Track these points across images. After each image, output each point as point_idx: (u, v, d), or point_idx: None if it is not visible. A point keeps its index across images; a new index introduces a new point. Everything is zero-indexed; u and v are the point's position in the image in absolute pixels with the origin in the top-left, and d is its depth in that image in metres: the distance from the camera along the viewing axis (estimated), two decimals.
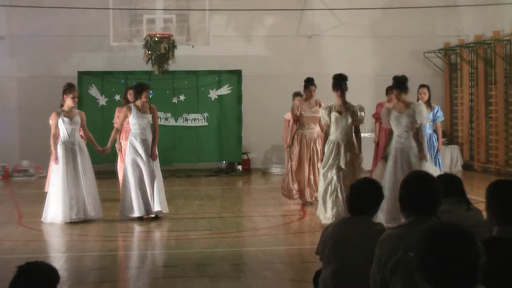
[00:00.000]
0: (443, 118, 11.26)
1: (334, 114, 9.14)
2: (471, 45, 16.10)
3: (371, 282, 3.74)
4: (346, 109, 9.17)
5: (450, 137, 17.22)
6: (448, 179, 4.39)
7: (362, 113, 9.22)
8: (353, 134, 9.23)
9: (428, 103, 10.70)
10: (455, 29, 17.16)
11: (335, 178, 9.00)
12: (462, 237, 2.46)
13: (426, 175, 3.76)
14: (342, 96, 9.20)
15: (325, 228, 4.72)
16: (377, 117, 11.67)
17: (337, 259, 4.46)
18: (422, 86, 11.14)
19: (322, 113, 9.33)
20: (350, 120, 9.13)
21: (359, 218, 4.56)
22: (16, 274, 3.15)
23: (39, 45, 16.32)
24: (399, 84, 8.84)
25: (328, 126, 9.23)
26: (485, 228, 3.63)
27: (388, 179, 8.60)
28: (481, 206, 4.23)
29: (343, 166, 9.00)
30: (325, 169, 9.10)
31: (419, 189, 3.66)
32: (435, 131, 10.94)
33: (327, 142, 9.23)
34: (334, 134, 9.15)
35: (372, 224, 4.65)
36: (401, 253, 3.53)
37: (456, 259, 2.42)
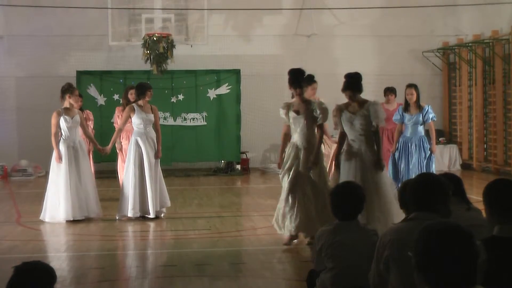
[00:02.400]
0: (435, 118, 10.72)
1: (291, 114, 8.13)
2: (470, 44, 16.11)
3: (370, 277, 3.76)
4: (305, 108, 8.08)
5: (448, 136, 17.24)
6: (447, 178, 4.39)
7: (320, 111, 8.05)
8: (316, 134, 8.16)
9: (416, 104, 10.42)
10: (454, 28, 17.16)
11: (293, 185, 7.91)
12: (460, 237, 2.46)
13: (432, 176, 3.78)
14: (301, 94, 8.19)
15: (318, 236, 4.72)
16: None
17: (335, 266, 4.47)
18: (409, 86, 10.66)
19: (280, 112, 8.30)
20: (310, 120, 8.05)
21: (348, 222, 4.60)
22: (13, 275, 3.16)
23: (37, 44, 16.32)
24: (354, 84, 7.90)
25: (288, 126, 8.27)
26: (485, 227, 3.64)
27: None
28: (480, 206, 4.23)
29: (302, 171, 7.92)
30: (282, 175, 8.09)
31: (421, 188, 3.67)
32: (428, 132, 10.59)
33: (287, 145, 8.20)
34: (294, 136, 8.15)
35: (364, 226, 4.71)
36: (395, 249, 3.54)
37: (454, 259, 2.42)
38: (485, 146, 16.01)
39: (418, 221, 3.49)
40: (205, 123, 16.30)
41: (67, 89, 9.92)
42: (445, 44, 17.16)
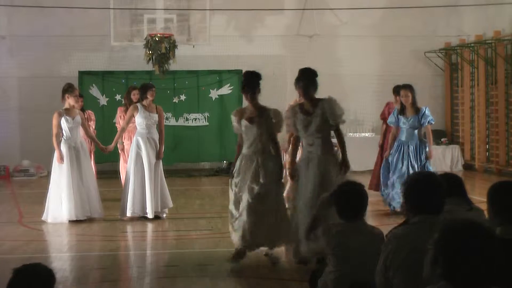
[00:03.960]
0: (432, 121, 9.90)
1: (243, 122, 7.21)
2: (472, 45, 16.09)
3: (376, 281, 3.74)
4: (259, 115, 7.20)
5: (450, 137, 17.22)
6: (449, 179, 4.38)
7: (276, 120, 7.19)
8: (271, 144, 7.25)
9: (413, 106, 9.74)
10: (456, 29, 17.15)
11: (244, 199, 7.05)
12: (482, 235, 2.46)
13: (432, 175, 3.76)
14: (253, 99, 7.23)
15: (327, 235, 4.62)
16: (383, 117, 11.09)
17: (339, 267, 4.45)
18: (403, 87, 9.88)
19: (232, 119, 7.38)
20: (263, 129, 7.14)
21: (354, 224, 4.56)
22: (12, 277, 3.16)
23: (39, 44, 16.32)
24: (306, 80, 7.04)
25: (241, 136, 7.32)
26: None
27: (301, 202, 6.85)
28: (482, 206, 4.23)
29: (256, 188, 7.01)
30: (233, 188, 7.25)
31: (426, 189, 3.65)
32: (424, 136, 9.86)
33: (239, 157, 7.28)
34: (245, 146, 7.23)
35: (370, 228, 4.67)
36: (405, 252, 3.51)
37: (476, 257, 2.42)
38: (487, 147, 15.99)
39: (423, 224, 3.47)
40: (207, 124, 16.30)
41: (66, 89, 9.93)
42: (447, 45, 17.15)
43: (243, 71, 7.48)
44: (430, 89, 17.34)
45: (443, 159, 16.28)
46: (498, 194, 3.51)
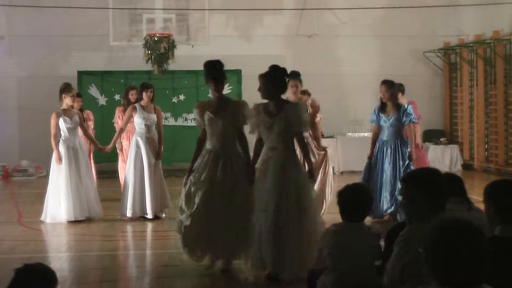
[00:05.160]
0: (415, 120, 9.30)
1: (207, 115, 6.79)
2: (471, 44, 16.10)
3: (386, 278, 3.74)
4: (224, 107, 6.76)
5: (450, 136, 17.23)
6: (449, 178, 4.37)
7: (243, 112, 6.71)
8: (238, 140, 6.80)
9: (393, 103, 9.13)
10: (455, 28, 17.15)
11: (202, 198, 6.58)
12: (472, 235, 2.46)
13: (434, 171, 3.75)
14: (217, 90, 6.82)
15: (321, 236, 4.66)
16: None
17: (338, 267, 4.45)
18: (382, 83, 9.26)
19: (194, 113, 7.09)
20: (229, 122, 6.69)
21: (353, 224, 4.56)
22: (14, 277, 3.15)
23: (38, 44, 16.32)
24: (270, 78, 6.53)
25: (204, 130, 6.94)
26: (486, 227, 3.63)
27: (259, 210, 6.31)
28: (482, 206, 4.22)
29: (220, 187, 6.56)
30: (189, 187, 6.75)
31: (431, 186, 3.65)
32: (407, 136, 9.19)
33: (200, 153, 6.87)
34: (210, 141, 6.85)
35: (368, 229, 4.68)
36: (414, 250, 3.50)
37: (464, 256, 2.42)
38: (486, 147, 16.00)
39: (429, 221, 3.47)
40: None
41: (63, 89, 9.92)
42: (446, 45, 17.15)
43: (205, 62, 6.88)
44: (429, 89, 17.35)
45: (442, 159, 16.29)
46: (495, 193, 3.50)
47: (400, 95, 10.28)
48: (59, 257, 7.78)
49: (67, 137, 9.86)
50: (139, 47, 15.24)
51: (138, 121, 9.92)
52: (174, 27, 15.66)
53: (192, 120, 16.26)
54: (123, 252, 8.32)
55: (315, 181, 7.47)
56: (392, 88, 9.13)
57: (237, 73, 16.27)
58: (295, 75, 8.90)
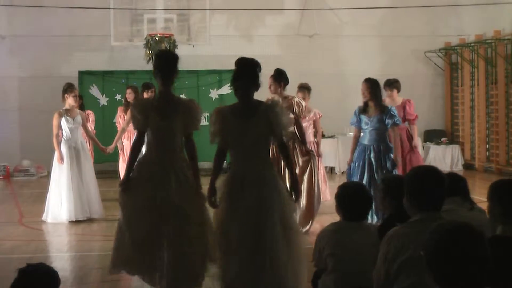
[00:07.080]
0: (399, 122, 8.38)
1: (152, 116, 5.62)
2: (472, 44, 16.09)
3: (374, 278, 3.72)
4: (172, 108, 5.62)
5: (451, 136, 17.22)
6: (451, 178, 4.36)
7: (193, 114, 5.78)
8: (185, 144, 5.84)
9: (376, 104, 8.24)
10: (456, 28, 17.14)
11: (143, 215, 5.97)
12: (472, 237, 2.45)
13: (436, 170, 3.73)
14: (167, 87, 5.63)
15: (320, 236, 4.60)
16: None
17: (339, 267, 4.43)
18: (364, 81, 8.37)
19: (134, 112, 5.80)
20: (177, 125, 5.66)
21: (354, 223, 4.55)
22: (16, 277, 3.16)
23: (40, 44, 16.32)
24: (250, 77, 5.22)
25: (143, 133, 5.85)
26: (488, 227, 3.63)
27: (236, 231, 5.18)
28: (483, 206, 4.22)
29: (165, 202, 5.59)
30: (124, 200, 6.25)
31: (431, 186, 3.60)
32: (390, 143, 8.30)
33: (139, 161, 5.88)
34: (153, 147, 5.79)
35: (368, 228, 4.66)
36: (412, 251, 3.48)
37: (465, 259, 2.42)
38: (487, 146, 16.00)
39: (425, 223, 3.45)
40: (207, 124, 16.19)
41: (66, 89, 9.93)
42: (447, 44, 17.15)
43: (156, 52, 5.87)
44: (430, 89, 17.35)
45: (443, 159, 16.29)
46: (499, 192, 3.50)
47: (395, 92, 9.62)
48: (60, 257, 7.78)
49: (69, 137, 9.86)
50: (140, 47, 15.25)
51: None
52: (175, 27, 15.66)
53: None
54: None
55: (299, 205, 6.38)
56: (374, 87, 8.24)
57: None
58: (281, 74, 8.91)
